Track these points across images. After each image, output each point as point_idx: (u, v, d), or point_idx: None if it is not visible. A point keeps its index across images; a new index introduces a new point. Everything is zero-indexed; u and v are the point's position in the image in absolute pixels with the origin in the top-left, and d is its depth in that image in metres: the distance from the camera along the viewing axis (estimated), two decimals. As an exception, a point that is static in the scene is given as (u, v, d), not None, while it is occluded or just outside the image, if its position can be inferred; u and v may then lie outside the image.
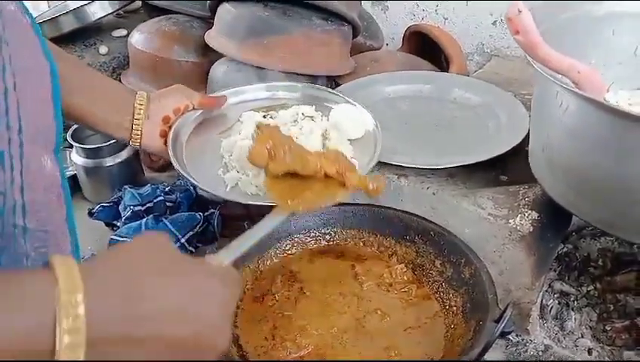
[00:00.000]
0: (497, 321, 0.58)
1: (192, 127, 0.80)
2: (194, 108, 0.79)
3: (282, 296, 0.71)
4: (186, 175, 0.71)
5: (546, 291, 0.80)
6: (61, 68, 0.57)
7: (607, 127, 0.53)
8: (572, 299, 0.80)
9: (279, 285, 0.72)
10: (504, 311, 0.58)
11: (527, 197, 0.71)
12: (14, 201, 0.47)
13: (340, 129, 0.79)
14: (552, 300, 0.80)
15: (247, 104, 0.86)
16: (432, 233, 0.74)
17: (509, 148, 0.78)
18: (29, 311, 0.33)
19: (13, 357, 0.33)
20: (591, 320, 0.77)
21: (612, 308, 0.78)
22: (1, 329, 0.32)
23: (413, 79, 1.03)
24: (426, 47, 1.23)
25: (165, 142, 0.75)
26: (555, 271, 0.83)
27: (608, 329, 0.75)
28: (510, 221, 0.70)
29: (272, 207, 0.61)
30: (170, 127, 0.76)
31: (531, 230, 0.68)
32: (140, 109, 0.73)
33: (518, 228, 0.69)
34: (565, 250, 0.87)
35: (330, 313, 0.68)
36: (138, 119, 0.73)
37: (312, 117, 0.80)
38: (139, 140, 0.74)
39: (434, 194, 0.78)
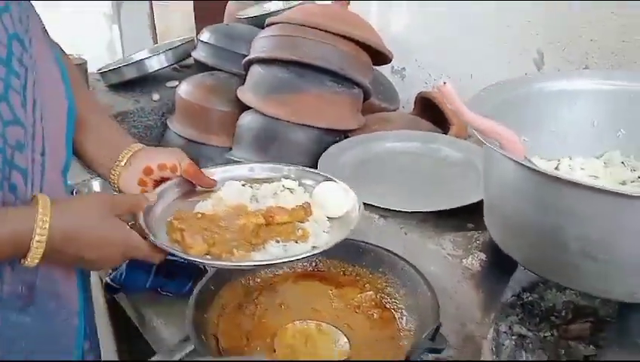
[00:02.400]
0: (432, 339, 0.68)
1: (174, 196, 0.80)
2: (180, 176, 0.81)
3: (262, 307, 0.82)
4: (146, 229, 0.70)
5: (505, 332, 0.87)
6: (81, 109, 0.74)
7: (524, 180, 0.63)
8: (528, 341, 0.86)
9: (262, 298, 0.84)
10: (435, 330, 0.67)
11: (479, 240, 0.81)
12: None
13: (321, 206, 0.79)
14: (509, 340, 0.87)
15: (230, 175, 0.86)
16: (400, 267, 0.85)
17: (472, 201, 0.88)
18: (16, 223, 0.57)
19: None
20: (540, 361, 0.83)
21: (563, 352, 0.84)
22: None
23: (412, 138, 1.16)
24: (434, 111, 1.37)
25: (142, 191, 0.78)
26: (517, 316, 0.91)
27: (554, 369, 0.81)
28: (463, 260, 0.80)
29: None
30: (152, 181, 0.79)
31: (480, 269, 0.78)
32: (125, 156, 0.78)
33: (469, 267, 0.79)
34: (531, 298, 0.94)
35: (301, 324, 0.79)
36: (120, 161, 0.77)
37: (291, 189, 0.82)
38: (116, 183, 0.78)
39: (406, 234, 0.89)
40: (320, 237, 0.74)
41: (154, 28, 3.00)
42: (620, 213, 0.57)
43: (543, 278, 0.68)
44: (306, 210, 0.76)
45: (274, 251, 0.71)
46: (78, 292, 0.70)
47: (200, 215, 0.76)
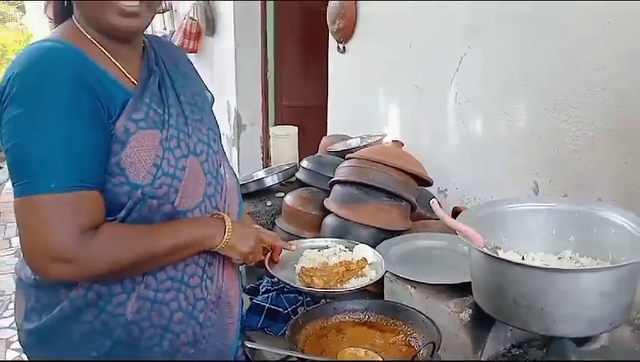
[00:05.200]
0: (431, 355, 1.07)
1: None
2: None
3: (331, 338, 1.25)
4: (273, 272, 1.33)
5: (492, 371, 1.22)
6: None
7: (482, 260, 1.05)
8: (508, 379, 1.20)
9: (332, 333, 1.27)
10: (433, 350, 1.06)
11: (469, 301, 1.20)
12: None
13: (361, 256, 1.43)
14: (493, 376, 1.21)
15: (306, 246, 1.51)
16: (422, 320, 1.24)
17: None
18: (213, 227, 1.05)
19: (196, 247, 1.04)
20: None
21: (533, 386, 1.17)
22: (198, 233, 1.03)
23: (442, 238, 1.57)
24: (466, 221, 1.78)
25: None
26: (505, 363, 1.25)
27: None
28: (460, 314, 1.19)
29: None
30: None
31: (469, 319, 1.16)
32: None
33: (462, 318, 1.18)
34: (517, 353, 1.28)
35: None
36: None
37: (345, 251, 1.46)
38: None
39: (427, 298, 1.29)
40: (370, 273, 1.33)
41: (265, 152, 3.72)
42: (536, 278, 0.97)
43: (509, 325, 1.04)
44: (365, 261, 1.36)
45: (355, 282, 1.29)
46: (239, 308, 1.18)
47: (315, 268, 1.35)
